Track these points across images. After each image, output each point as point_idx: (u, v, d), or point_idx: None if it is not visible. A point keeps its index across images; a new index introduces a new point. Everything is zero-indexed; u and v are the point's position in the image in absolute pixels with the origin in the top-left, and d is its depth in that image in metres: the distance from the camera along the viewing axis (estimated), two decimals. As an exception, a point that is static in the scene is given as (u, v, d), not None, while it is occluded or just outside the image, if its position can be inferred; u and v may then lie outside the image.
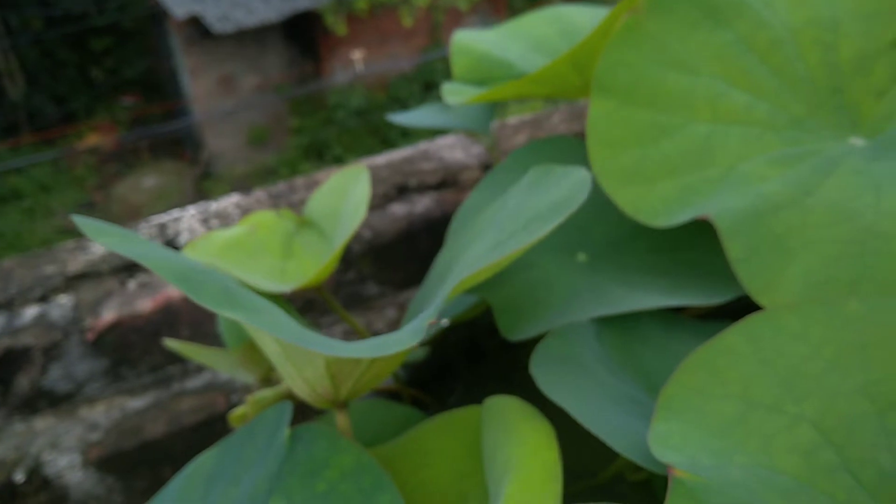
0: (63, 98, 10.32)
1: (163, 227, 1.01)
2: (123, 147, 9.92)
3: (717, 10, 0.65)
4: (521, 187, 0.59)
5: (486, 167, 1.10)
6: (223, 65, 9.32)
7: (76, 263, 0.96)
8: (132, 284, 0.96)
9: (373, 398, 0.75)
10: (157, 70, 10.62)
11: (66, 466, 0.91)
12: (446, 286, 0.51)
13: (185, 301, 0.95)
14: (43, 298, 0.93)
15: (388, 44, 9.85)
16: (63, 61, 10.30)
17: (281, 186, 1.09)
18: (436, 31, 9.91)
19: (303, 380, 0.50)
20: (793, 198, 0.55)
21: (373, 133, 9.59)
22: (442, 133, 1.18)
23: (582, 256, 0.67)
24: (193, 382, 0.99)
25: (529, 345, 0.57)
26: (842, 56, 0.63)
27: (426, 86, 9.80)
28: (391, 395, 0.78)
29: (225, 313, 0.38)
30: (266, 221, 0.73)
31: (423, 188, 1.09)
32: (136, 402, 0.96)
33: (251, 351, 0.69)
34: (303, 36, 9.71)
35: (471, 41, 0.90)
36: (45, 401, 0.92)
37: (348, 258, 1.02)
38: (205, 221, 1.02)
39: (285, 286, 0.64)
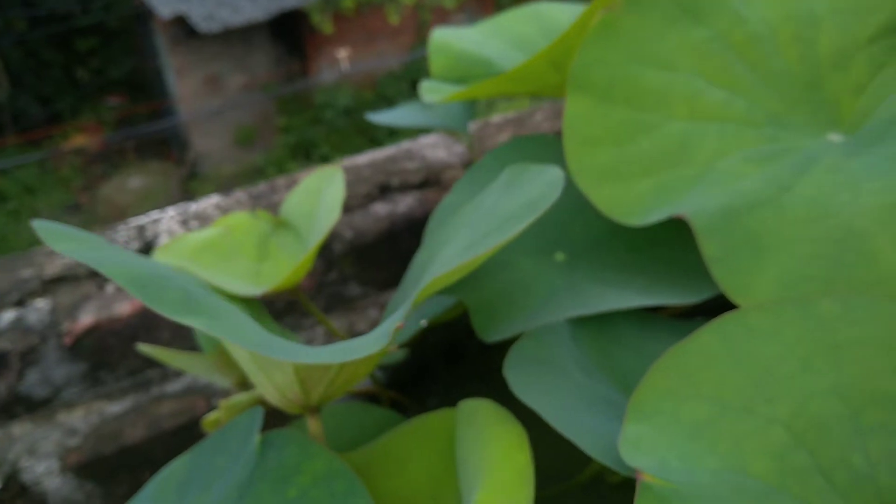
0: (48, 99, 10.25)
1: (141, 229, 1.00)
2: (109, 148, 9.86)
3: (695, 6, 0.64)
4: (497, 186, 0.58)
5: (468, 166, 1.09)
6: (209, 64, 9.28)
7: (53, 267, 0.95)
8: (110, 287, 0.95)
9: (350, 401, 0.75)
10: (143, 70, 10.55)
11: (44, 472, 0.90)
12: (419, 288, 0.50)
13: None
14: (20, 302, 0.92)
15: (376, 42, 9.83)
16: (48, 62, 10.23)
17: (262, 187, 1.08)
18: (423, 29, 9.90)
19: (272, 385, 0.49)
20: (769, 195, 0.54)
21: (361, 132, 9.57)
22: (425, 132, 1.17)
23: (560, 256, 0.66)
24: (173, 386, 0.98)
25: (510, 346, 0.56)
26: (820, 51, 0.63)
27: (414, 84, 9.78)
28: (370, 397, 0.78)
29: (183, 320, 0.37)
30: (241, 223, 0.72)
31: (405, 187, 1.08)
32: (114, 407, 0.95)
33: (225, 355, 0.68)
34: (289, 35, 9.68)
35: (449, 39, 0.90)
36: (22, 406, 0.91)
37: (330, 258, 1.02)
38: (184, 223, 1.01)
39: (258, 289, 0.63)
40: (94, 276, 0.96)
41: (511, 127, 1.18)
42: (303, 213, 0.73)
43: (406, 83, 9.87)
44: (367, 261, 1.04)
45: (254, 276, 0.67)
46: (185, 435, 0.96)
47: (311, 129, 9.54)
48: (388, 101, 9.62)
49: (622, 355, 0.56)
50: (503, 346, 0.64)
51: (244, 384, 0.71)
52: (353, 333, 1.02)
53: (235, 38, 9.25)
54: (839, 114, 0.61)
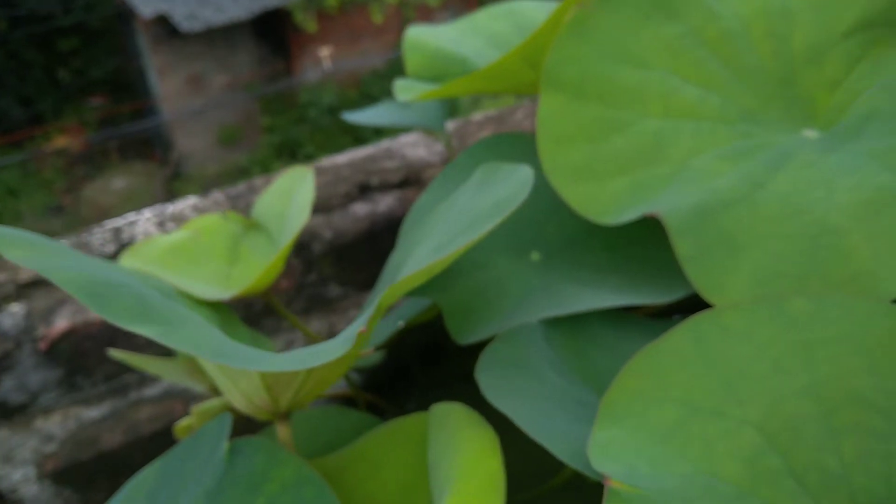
0: (30, 99, 10.15)
1: (117, 231, 0.98)
2: (92, 149, 9.78)
3: (668, 2, 0.64)
4: (470, 186, 0.57)
5: (448, 165, 1.08)
6: (192, 64, 9.22)
7: (28, 271, 0.93)
8: (84, 291, 0.94)
9: (326, 405, 0.74)
10: (125, 70, 10.47)
11: (21, 480, 0.89)
12: (386, 289, 0.49)
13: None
14: (-7, 307, 0.91)
15: (359, 41, 9.80)
16: (29, 62, 10.13)
17: (240, 187, 1.06)
18: (406, 28, 9.88)
19: (239, 392, 0.48)
20: (743, 193, 0.54)
21: (346, 131, 9.53)
22: (405, 131, 1.16)
23: (535, 255, 0.66)
24: (151, 391, 0.97)
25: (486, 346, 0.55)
26: (794, 47, 0.62)
27: (399, 82, 9.74)
28: (346, 400, 0.77)
29: (134, 328, 0.36)
30: (210, 225, 0.71)
31: (385, 187, 1.07)
32: (92, 412, 0.94)
33: (197, 360, 0.67)
34: (273, 34, 9.63)
35: (425, 37, 0.89)
36: (-4, 413, 0.90)
37: (310, 259, 1.01)
38: (161, 225, 1.00)
39: (226, 293, 0.62)
40: (69, 281, 0.94)
41: (492, 125, 1.18)
42: (274, 215, 0.72)
43: (390, 82, 9.80)
44: (347, 261, 1.03)
45: (223, 280, 0.66)
46: (164, 440, 0.95)
47: (295, 128, 9.50)
48: (372, 100, 9.59)
49: (597, 355, 0.55)
50: (481, 347, 0.63)
51: (217, 389, 0.70)
52: (334, 335, 1.01)
53: (218, 37, 9.19)
54: (814, 110, 0.61)
